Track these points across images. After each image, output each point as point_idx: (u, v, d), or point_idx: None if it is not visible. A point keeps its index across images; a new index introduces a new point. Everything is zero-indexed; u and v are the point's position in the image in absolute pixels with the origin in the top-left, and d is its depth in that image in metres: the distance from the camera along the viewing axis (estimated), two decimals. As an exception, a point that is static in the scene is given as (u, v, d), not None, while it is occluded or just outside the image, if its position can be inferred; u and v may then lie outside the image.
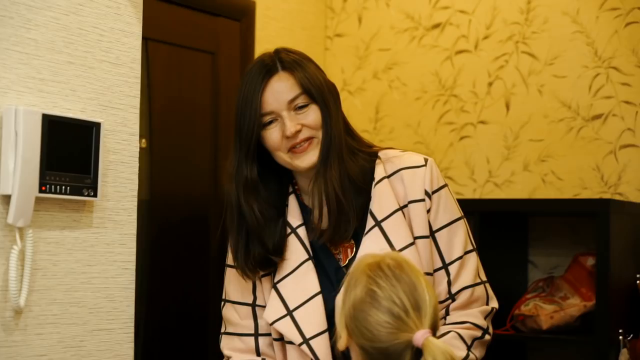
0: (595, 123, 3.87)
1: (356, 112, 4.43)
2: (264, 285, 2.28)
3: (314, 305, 2.19)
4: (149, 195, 3.60)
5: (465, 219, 2.28)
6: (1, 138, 2.08)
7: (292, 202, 2.28)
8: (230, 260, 2.34)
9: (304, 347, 2.16)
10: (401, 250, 2.15)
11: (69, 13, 2.25)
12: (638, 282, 3.51)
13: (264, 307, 2.28)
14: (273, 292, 2.24)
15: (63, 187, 2.18)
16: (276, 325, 2.21)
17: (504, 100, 4.09)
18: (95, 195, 2.26)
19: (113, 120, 2.36)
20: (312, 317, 2.18)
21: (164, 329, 3.66)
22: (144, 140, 3.56)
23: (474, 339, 2.18)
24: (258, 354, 2.28)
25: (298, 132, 2.16)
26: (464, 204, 3.84)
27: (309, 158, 2.19)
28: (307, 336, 2.17)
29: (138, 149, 2.44)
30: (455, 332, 2.16)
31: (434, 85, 4.27)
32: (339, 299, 1.81)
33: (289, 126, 2.15)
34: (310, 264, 2.22)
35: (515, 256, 3.96)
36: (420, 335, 1.69)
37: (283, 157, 2.20)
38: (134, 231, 2.43)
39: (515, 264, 3.96)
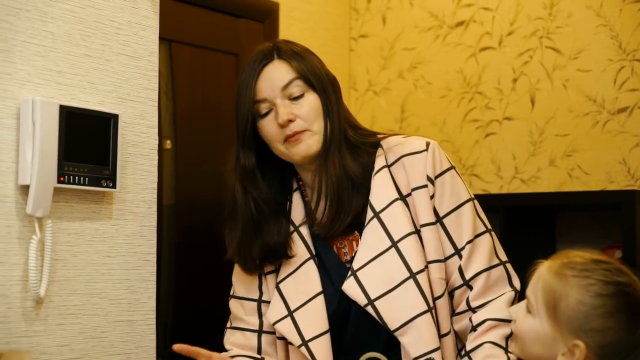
0: (620, 116, 3.84)
1: (382, 111, 4.43)
2: (269, 283, 2.26)
3: (314, 306, 2.16)
4: (174, 199, 3.62)
5: (475, 200, 2.21)
6: (19, 129, 2.11)
7: (296, 198, 2.27)
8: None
9: (303, 349, 2.13)
10: (399, 240, 2.11)
11: (85, 6, 2.27)
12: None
13: (269, 302, 2.26)
14: (276, 292, 2.22)
15: (81, 177, 2.20)
16: (277, 326, 2.19)
17: (529, 96, 4.07)
18: (114, 187, 2.27)
19: (132, 113, 2.38)
20: (312, 318, 2.15)
21: (190, 331, 3.67)
22: (168, 142, 3.58)
23: (507, 338, 2.09)
24: (259, 352, 2.26)
25: (291, 121, 2.13)
26: (489, 199, 3.86)
27: (302, 147, 2.15)
28: (307, 338, 2.14)
29: (157, 142, 2.46)
30: (488, 342, 2.08)
31: (459, 83, 4.26)
32: (535, 326, 1.77)
33: (281, 114, 2.12)
34: (311, 263, 2.20)
35: (542, 252, 3.91)
36: None
37: (280, 149, 2.17)
38: (155, 223, 2.45)
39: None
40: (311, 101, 2.15)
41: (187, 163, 3.69)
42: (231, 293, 2.36)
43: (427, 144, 2.18)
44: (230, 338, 2.32)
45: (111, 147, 2.27)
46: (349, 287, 2.13)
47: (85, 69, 2.27)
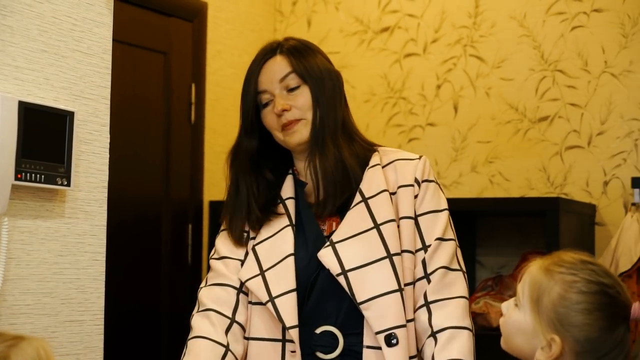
0: (541, 125, 3.96)
1: (305, 114, 4.45)
2: (249, 246, 2.32)
3: (284, 266, 2.23)
4: (102, 195, 3.59)
5: (449, 214, 2.32)
6: (-22, 124, 2.06)
7: (289, 179, 2.36)
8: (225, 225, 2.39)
9: (269, 305, 2.18)
10: (382, 224, 2.20)
11: (43, 1, 2.23)
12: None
13: None
14: (251, 253, 2.28)
15: (38, 175, 2.16)
16: (248, 283, 2.24)
17: (452, 102, 4.15)
18: (68, 185, 2.24)
19: (85, 111, 2.35)
20: (281, 277, 2.22)
21: (117, 327, 3.64)
22: (97, 139, 3.54)
23: (471, 349, 2.22)
24: (235, 309, 2.27)
25: (285, 110, 2.26)
26: (414, 204, 3.92)
27: (296, 136, 2.28)
28: (274, 294, 2.19)
29: (109, 140, 2.44)
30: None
31: (383, 88, 4.32)
32: (518, 319, 1.84)
33: (277, 104, 2.26)
34: (289, 229, 2.27)
35: (462, 257, 4.01)
36: (638, 308, 1.74)
37: (278, 136, 2.31)
38: (105, 222, 2.42)
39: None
40: (306, 93, 2.29)
41: (115, 160, 3.64)
42: (212, 255, 2.38)
43: (420, 156, 2.34)
44: (209, 294, 2.31)
45: (66, 144, 2.24)
46: (325, 254, 2.20)
47: (42, 65, 2.23)
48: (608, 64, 3.85)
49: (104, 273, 2.43)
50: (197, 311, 2.29)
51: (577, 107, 3.90)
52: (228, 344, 2.20)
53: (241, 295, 2.29)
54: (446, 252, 2.26)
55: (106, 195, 2.43)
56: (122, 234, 3.70)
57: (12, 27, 2.16)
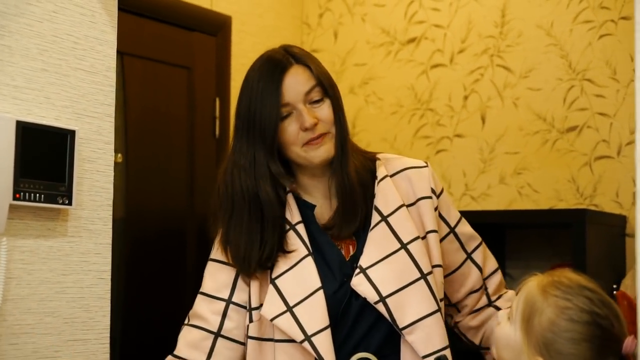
0: (570, 135, 3.89)
1: (332, 127, 4.43)
2: (261, 280, 2.20)
3: (315, 301, 2.12)
4: (124, 212, 3.59)
5: None
6: (-26, 145, 2.06)
7: (291, 200, 2.22)
8: (217, 255, 2.27)
9: (306, 344, 2.08)
10: (409, 243, 2.13)
11: (42, 20, 2.23)
12: (615, 292, 3.51)
13: (240, 306, 2.21)
14: (271, 287, 2.16)
15: (37, 194, 2.16)
16: (276, 321, 2.12)
17: (479, 113, 4.10)
18: (70, 204, 2.24)
19: (88, 129, 2.34)
20: (314, 314, 2.11)
21: (141, 344, 3.64)
22: (119, 155, 3.54)
23: None
24: (209, 356, 2.19)
25: (315, 125, 2.12)
26: (440, 217, 3.88)
27: (324, 151, 2.15)
28: (309, 333, 2.09)
29: (113, 158, 2.42)
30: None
31: (410, 99, 4.28)
32: (509, 333, 1.84)
33: (307, 118, 2.10)
34: (310, 259, 2.15)
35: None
36: (631, 342, 1.68)
37: (297, 152, 2.16)
38: (110, 240, 2.41)
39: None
40: (329, 105, 2.15)
41: (138, 176, 3.66)
42: (201, 289, 2.28)
43: (426, 162, 2.30)
44: (186, 337, 2.24)
45: (67, 163, 2.24)
46: (359, 283, 2.11)
47: (42, 84, 2.23)
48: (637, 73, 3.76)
49: (110, 291, 2.41)
50: (173, 355, 2.24)
51: (606, 116, 3.82)
52: None
53: (219, 340, 2.20)
54: (490, 256, 2.36)
55: (111, 213, 2.41)
56: (147, 249, 3.70)
57: (10, 46, 2.16)
